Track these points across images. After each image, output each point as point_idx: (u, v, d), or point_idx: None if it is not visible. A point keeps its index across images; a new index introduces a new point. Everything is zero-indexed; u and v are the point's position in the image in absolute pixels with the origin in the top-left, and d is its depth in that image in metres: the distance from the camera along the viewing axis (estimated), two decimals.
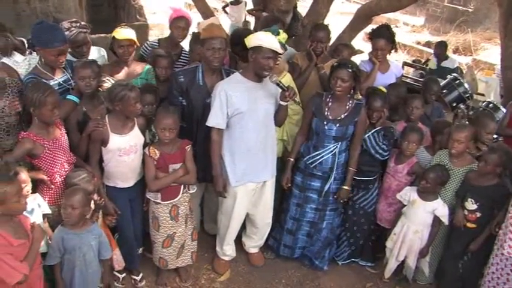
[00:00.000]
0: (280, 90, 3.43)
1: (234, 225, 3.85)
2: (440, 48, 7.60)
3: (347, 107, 3.68)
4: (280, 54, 3.40)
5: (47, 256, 3.03)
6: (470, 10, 14.09)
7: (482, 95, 6.74)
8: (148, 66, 3.97)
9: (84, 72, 3.32)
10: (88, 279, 3.14)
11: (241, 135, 3.52)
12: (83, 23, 3.97)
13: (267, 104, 3.54)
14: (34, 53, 3.93)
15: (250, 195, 3.75)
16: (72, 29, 3.83)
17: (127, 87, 3.22)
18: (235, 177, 3.60)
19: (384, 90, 3.93)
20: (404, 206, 3.82)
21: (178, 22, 4.22)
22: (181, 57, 4.34)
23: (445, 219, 3.66)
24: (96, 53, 4.14)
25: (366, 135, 3.78)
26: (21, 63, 3.82)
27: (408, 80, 6.13)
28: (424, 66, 7.85)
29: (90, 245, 3.08)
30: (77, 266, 3.06)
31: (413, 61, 8.46)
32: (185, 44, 4.46)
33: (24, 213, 2.71)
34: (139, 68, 3.94)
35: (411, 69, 8.13)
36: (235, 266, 4.12)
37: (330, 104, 3.70)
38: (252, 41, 3.38)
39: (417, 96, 4.16)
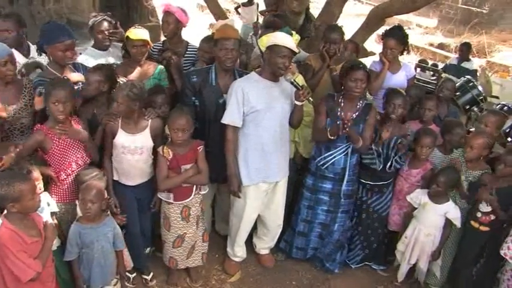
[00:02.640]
0: (294, 89, 3.43)
1: (244, 226, 3.84)
2: (466, 49, 8.12)
3: (358, 106, 3.69)
4: (296, 53, 3.39)
5: (65, 252, 3.11)
6: (484, 11, 13.97)
7: (497, 97, 6.67)
8: (160, 67, 3.99)
9: (93, 76, 3.45)
10: (106, 270, 3.25)
11: (256, 133, 3.51)
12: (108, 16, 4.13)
13: (283, 103, 3.53)
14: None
15: (262, 196, 3.74)
16: (98, 16, 4.06)
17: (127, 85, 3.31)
18: (248, 177, 3.59)
19: (402, 91, 3.90)
20: (415, 209, 3.79)
21: (165, 17, 4.27)
22: (188, 53, 4.35)
23: (457, 222, 3.62)
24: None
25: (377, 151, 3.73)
26: None
27: (420, 82, 6.08)
28: (439, 69, 7.83)
29: (107, 237, 3.19)
30: (96, 258, 3.16)
31: (420, 61, 8.46)
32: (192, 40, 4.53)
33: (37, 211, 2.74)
34: (151, 68, 3.96)
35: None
36: (245, 267, 4.12)
37: (342, 104, 3.70)
38: (267, 40, 3.39)
39: (431, 98, 4.14)
